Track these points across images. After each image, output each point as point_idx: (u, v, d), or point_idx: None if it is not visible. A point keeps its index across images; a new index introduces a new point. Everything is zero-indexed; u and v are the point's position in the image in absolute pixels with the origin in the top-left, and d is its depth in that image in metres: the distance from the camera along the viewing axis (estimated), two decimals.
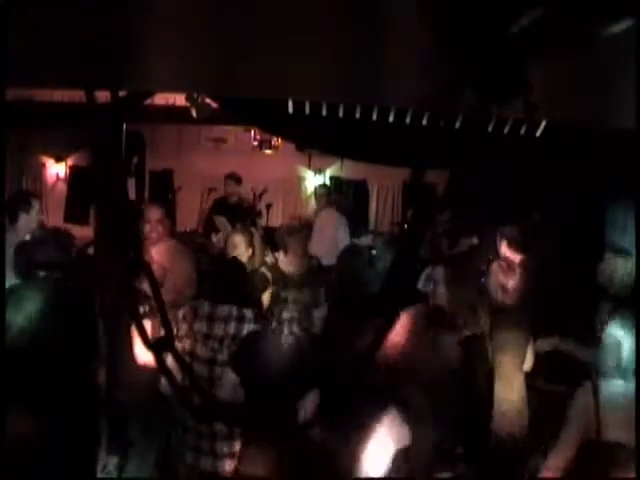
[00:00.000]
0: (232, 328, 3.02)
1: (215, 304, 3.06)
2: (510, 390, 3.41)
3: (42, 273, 3.09)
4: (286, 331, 3.83)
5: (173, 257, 3.65)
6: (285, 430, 1.76)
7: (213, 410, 1.61)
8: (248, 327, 3.04)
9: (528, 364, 3.50)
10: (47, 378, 2.71)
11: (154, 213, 4.07)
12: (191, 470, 2.99)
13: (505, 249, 4.39)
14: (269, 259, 4.86)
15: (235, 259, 3.87)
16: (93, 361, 3.07)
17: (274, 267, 4.59)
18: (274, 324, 3.84)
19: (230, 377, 2.93)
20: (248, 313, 3.11)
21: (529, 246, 4.37)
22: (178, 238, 4.98)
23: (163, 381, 3.09)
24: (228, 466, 2.93)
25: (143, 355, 3.16)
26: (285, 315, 3.98)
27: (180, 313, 3.12)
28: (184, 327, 3.09)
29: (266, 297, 4.39)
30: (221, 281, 3.22)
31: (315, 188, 7.91)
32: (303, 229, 5.09)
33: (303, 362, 2.83)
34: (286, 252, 4.44)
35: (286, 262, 4.47)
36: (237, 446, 2.94)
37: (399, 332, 1.84)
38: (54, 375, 2.74)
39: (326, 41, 1.24)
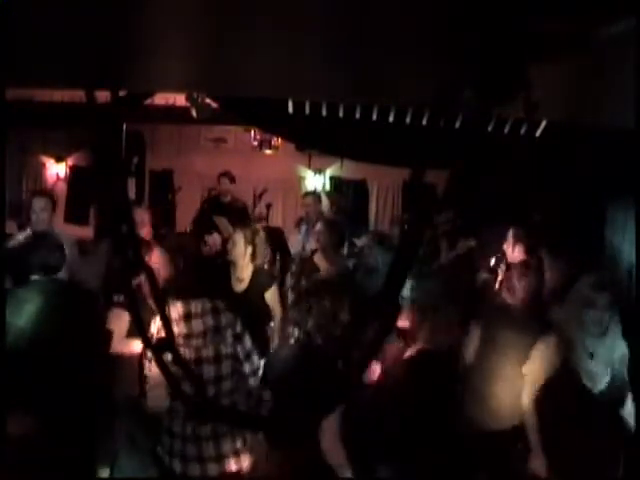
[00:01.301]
0: (210, 320, 3.00)
1: (188, 301, 3.05)
2: (508, 391, 3.41)
3: (35, 276, 3.12)
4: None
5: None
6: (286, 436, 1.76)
7: (215, 411, 1.61)
8: (225, 317, 3.04)
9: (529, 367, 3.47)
10: (44, 379, 2.71)
11: (137, 215, 3.99)
12: (180, 477, 2.96)
13: (518, 251, 4.38)
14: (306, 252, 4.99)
15: (196, 253, 3.81)
16: (92, 362, 3.07)
17: (308, 260, 4.76)
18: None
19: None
20: (220, 304, 3.10)
21: (536, 247, 4.37)
22: (178, 238, 4.94)
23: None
24: (215, 470, 2.94)
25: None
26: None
27: (157, 319, 3.06)
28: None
29: (269, 295, 4.41)
30: (189, 277, 3.20)
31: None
32: (339, 226, 5.11)
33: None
34: (323, 248, 4.60)
35: (320, 257, 4.59)
36: (224, 448, 2.95)
37: None
38: (52, 376, 2.74)
39: (326, 41, 1.25)
